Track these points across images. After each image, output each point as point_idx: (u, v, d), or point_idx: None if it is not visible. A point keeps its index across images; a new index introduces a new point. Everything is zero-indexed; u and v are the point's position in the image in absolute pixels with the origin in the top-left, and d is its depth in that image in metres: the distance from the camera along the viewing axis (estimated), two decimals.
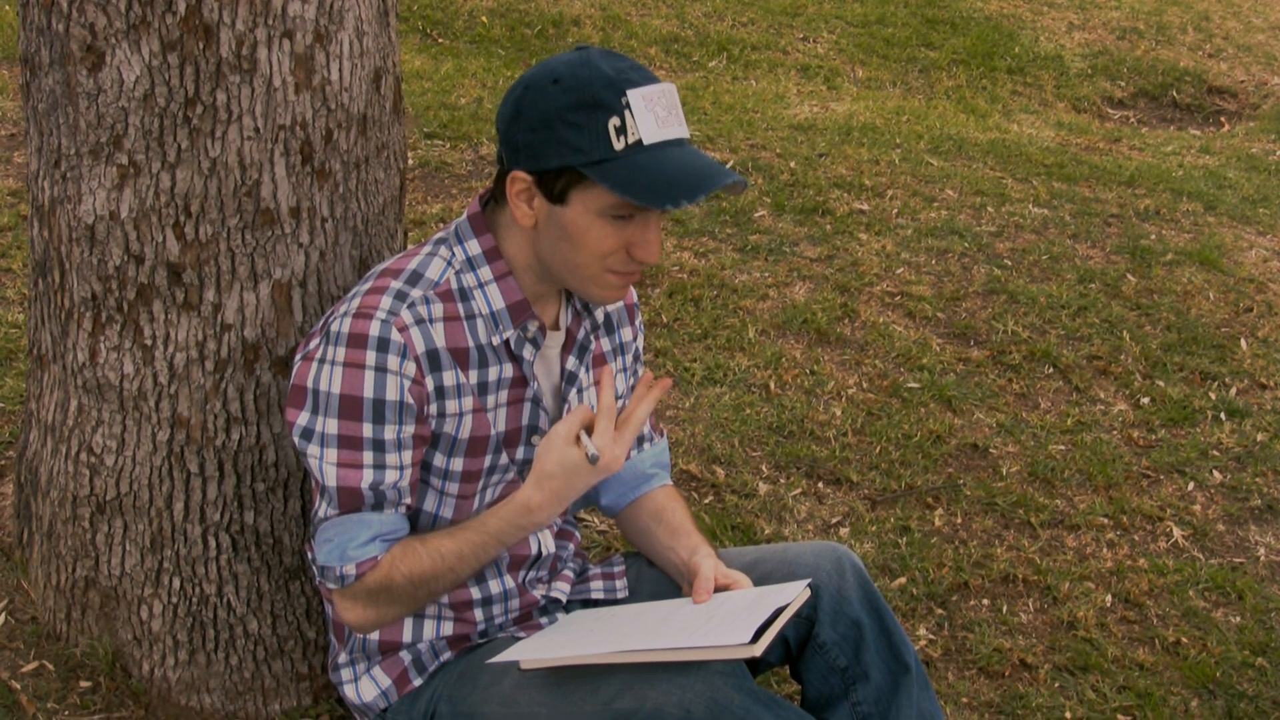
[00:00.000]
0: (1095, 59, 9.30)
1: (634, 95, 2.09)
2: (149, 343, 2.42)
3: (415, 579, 2.22)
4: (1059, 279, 5.15)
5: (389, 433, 2.16)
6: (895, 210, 5.64)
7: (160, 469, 2.51)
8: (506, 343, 2.26)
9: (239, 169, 2.32)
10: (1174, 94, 9.14)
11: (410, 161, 5.44)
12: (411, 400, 2.16)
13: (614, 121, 2.07)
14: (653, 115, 2.11)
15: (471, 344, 2.22)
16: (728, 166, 2.22)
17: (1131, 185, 6.49)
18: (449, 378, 2.20)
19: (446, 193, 5.21)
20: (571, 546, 2.58)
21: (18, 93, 5.64)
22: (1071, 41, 9.49)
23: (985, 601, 3.40)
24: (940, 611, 3.33)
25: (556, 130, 2.08)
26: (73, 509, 2.61)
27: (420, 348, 2.16)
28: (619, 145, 2.08)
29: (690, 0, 9.05)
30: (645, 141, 2.10)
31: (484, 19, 8.30)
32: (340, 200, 2.45)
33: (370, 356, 2.13)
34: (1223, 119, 8.95)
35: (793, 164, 6.00)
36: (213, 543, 2.55)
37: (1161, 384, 4.53)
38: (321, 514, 2.19)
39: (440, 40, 8.03)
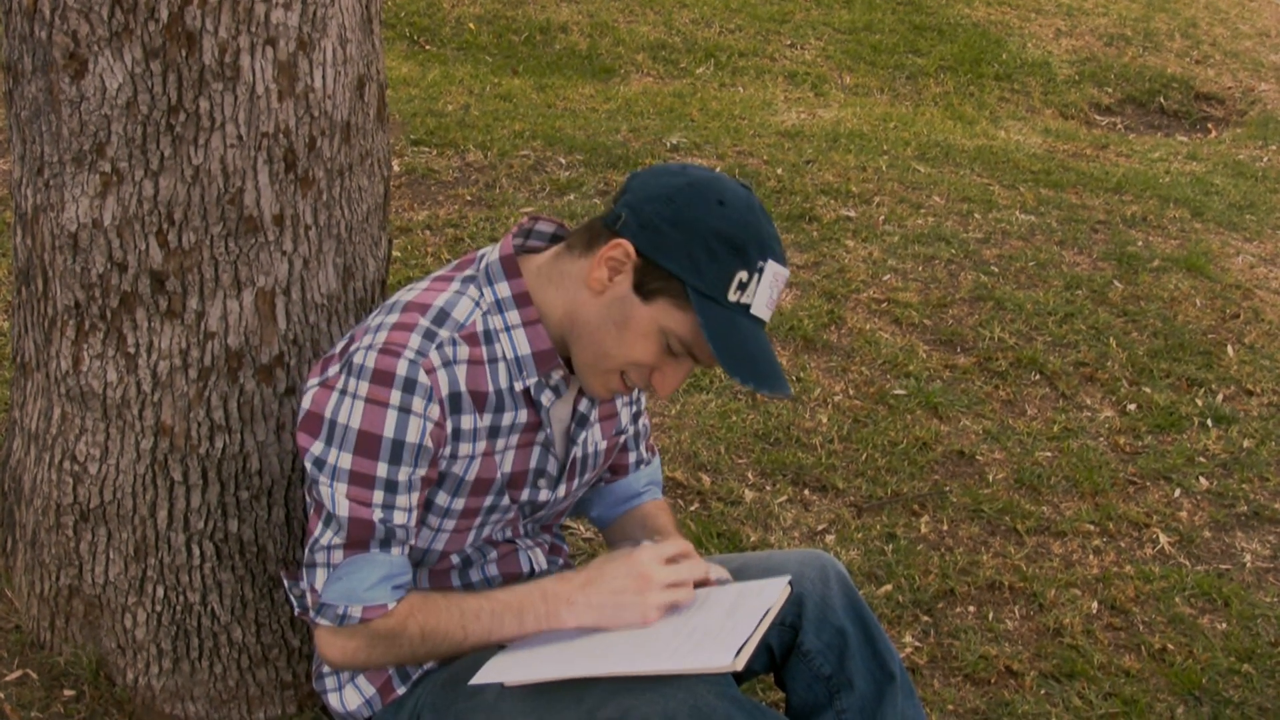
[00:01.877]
0: (1083, 65, 9.32)
1: (769, 267, 2.10)
2: (132, 350, 2.41)
3: (428, 633, 2.20)
4: (1046, 285, 5.16)
5: (403, 474, 2.13)
6: (882, 217, 5.64)
7: (144, 477, 2.50)
8: (526, 389, 2.24)
9: (222, 176, 2.31)
10: (1161, 100, 9.16)
11: (396, 168, 5.44)
12: (430, 444, 2.13)
13: (741, 275, 2.08)
14: (769, 292, 2.12)
15: (491, 389, 2.19)
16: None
17: (1119, 192, 6.50)
18: (467, 421, 2.18)
19: (433, 200, 5.21)
20: (560, 560, 2.58)
21: (1, 100, 5.64)
22: (1059, 48, 9.50)
23: (971, 608, 3.40)
24: (926, 619, 3.33)
25: (695, 244, 2.07)
26: (56, 517, 2.60)
27: (445, 390, 2.13)
28: (733, 297, 2.08)
29: (678, 7, 9.06)
30: (751, 310, 2.11)
31: (471, 26, 8.30)
32: (324, 208, 2.45)
33: (395, 396, 2.10)
34: (1210, 125, 8.97)
35: (780, 170, 6.00)
36: (196, 551, 2.54)
37: (1148, 390, 4.54)
38: (325, 542, 2.15)
39: (427, 47, 8.03)
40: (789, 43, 8.94)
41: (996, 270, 5.24)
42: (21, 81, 2.36)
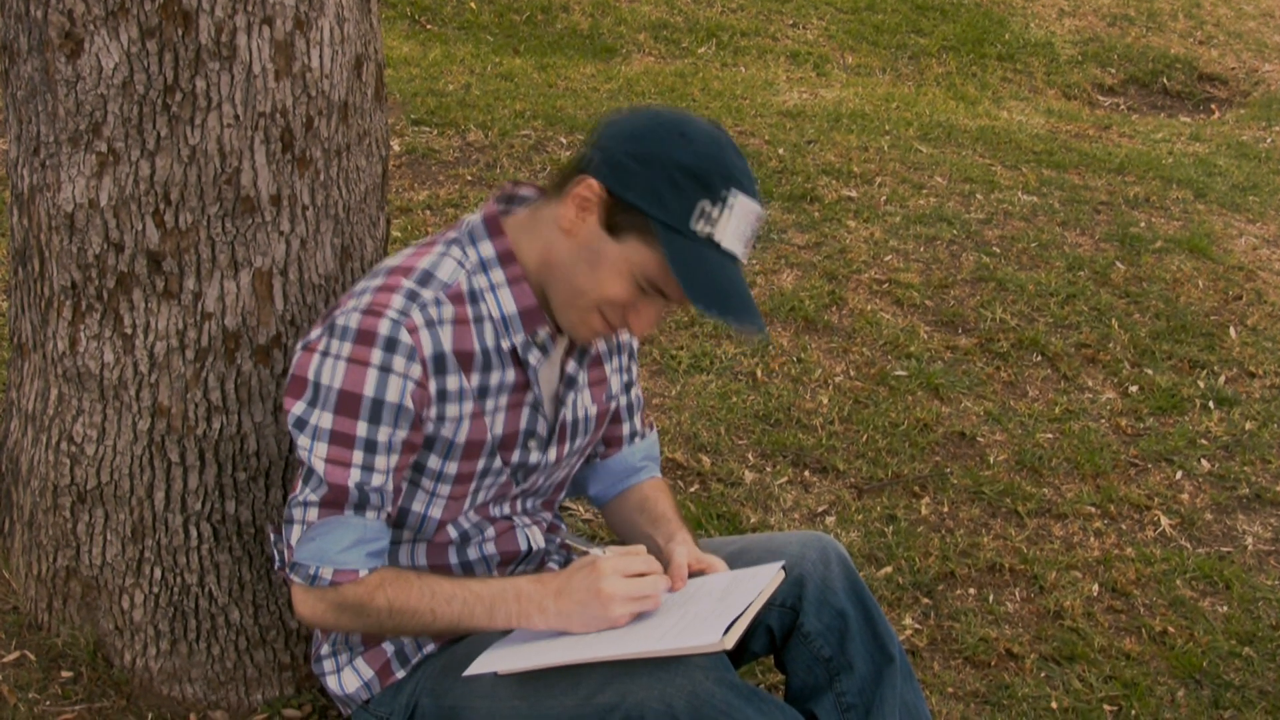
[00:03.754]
0: (1086, 46, 9.29)
1: (738, 198, 2.08)
2: (129, 331, 2.40)
3: (396, 609, 2.20)
4: (1048, 266, 5.14)
5: (382, 434, 2.13)
6: (884, 197, 5.63)
7: (141, 458, 2.49)
8: (514, 348, 2.23)
9: (219, 157, 2.30)
10: (1164, 81, 9.13)
11: (397, 148, 5.42)
12: (411, 404, 2.13)
13: (704, 205, 2.06)
14: (739, 225, 2.09)
15: (478, 348, 2.19)
16: None
17: (1121, 173, 6.48)
18: (452, 382, 2.18)
19: (433, 179, 5.20)
20: (557, 539, 2.57)
21: None
22: (1062, 28, 9.47)
23: (971, 591, 3.40)
24: (926, 601, 3.33)
25: (658, 176, 2.06)
26: (53, 498, 2.59)
27: (428, 350, 2.14)
28: (697, 228, 2.07)
29: None
30: (720, 243, 2.09)
31: (472, 5, 8.28)
32: (321, 188, 2.43)
33: (376, 355, 2.10)
34: (1213, 106, 8.95)
35: (781, 151, 5.98)
36: (194, 532, 2.54)
37: (1150, 372, 4.53)
38: (302, 498, 2.16)
39: (428, 26, 8.01)
40: (791, 22, 8.91)
41: (998, 251, 5.22)
42: (17, 61, 2.34)
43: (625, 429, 2.61)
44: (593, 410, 2.45)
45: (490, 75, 6.87)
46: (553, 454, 2.39)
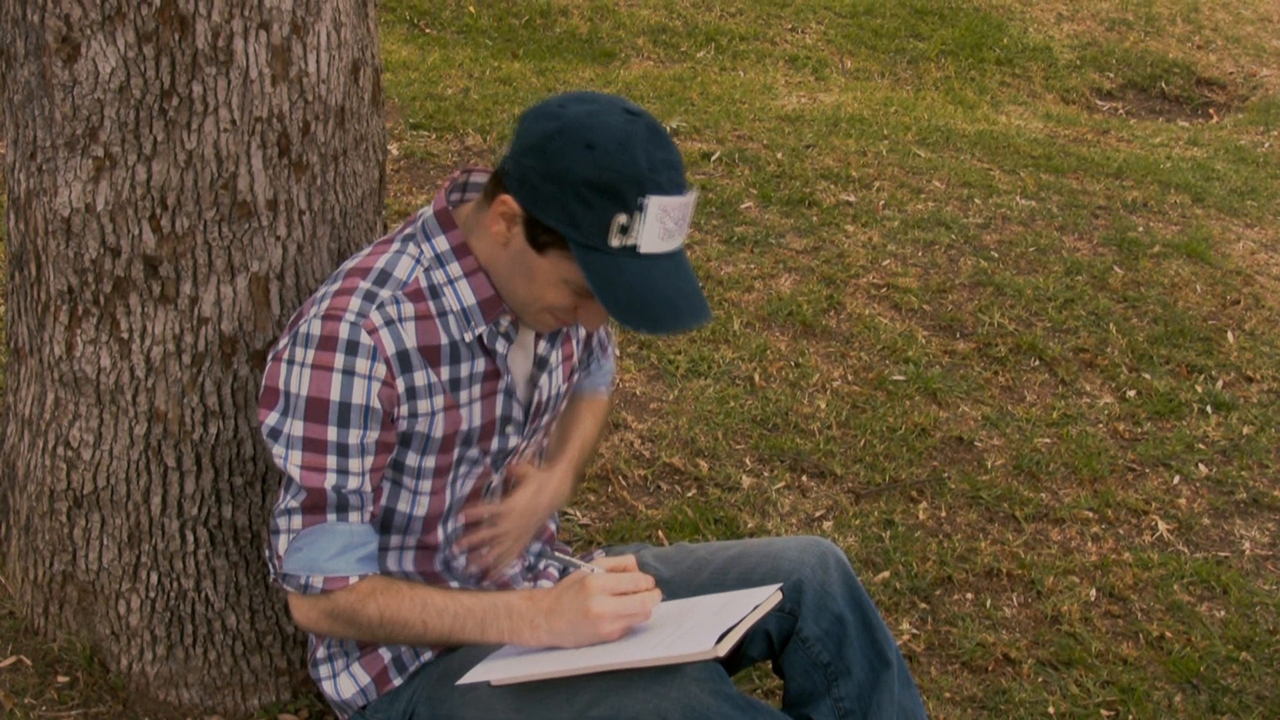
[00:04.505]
0: (1084, 50, 9.30)
1: (653, 203, 2.02)
2: (126, 336, 2.40)
3: (387, 619, 2.20)
4: (1046, 271, 5.14)
5: (353, 437, 2.14)
6: (882, 202, 5.63)
7: (137, 463, 2.49)
8: (479, 338, 2.23)
9: (215, 161, 2.30)
10: (1163, 85, 9.13)
11: (395, 152, 5.42)
12: (379, 404, 2.14)
13: (620, 219, 2.02)
14: (661, 226, 2.05)
15: (444, 340, 2.20)
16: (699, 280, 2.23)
17: (1119, 177, 6.48)
18: (420, 378, 2.18)
19: (432, 184, 5.20)
20: (546, 544, 2.57)
21: None
22: (1060, 33, 9.48)
23: (969, 596, 3.39)
24: (923, 605, 3.33)
25: (568, 195, 2.02)
26: (50, 503, 2.59)
27: (391, 349, 2.14)
28: (615, 242, 2.03)
29: None
30: (641, 250, 2.05)
31: (471, 9, 8.28)
32: (318, 193, 2.44)
33: (339, 359, 2.11)
34: (1211, 110, 8.95)
35: (780, 155, 5.98)
36: (190, 537, 2.54)
37: (1148, 377, 4.52)
38: (285, 505, 2.17)
39: (427, 30, 8.01)
40: (790, 26, 8.91)
41: (996, 255, 5.22)
42: (14, 65, 2.34)
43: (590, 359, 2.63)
44: (564, 387, 2.46)
45: (489, 79, 6.87)
46: (525, 431, 2.39)
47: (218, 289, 2.38)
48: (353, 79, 2.46)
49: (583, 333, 2.50)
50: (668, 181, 2.04)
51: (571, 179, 2.02)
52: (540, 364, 2.36)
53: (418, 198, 5.03)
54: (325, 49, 2.37)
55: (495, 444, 2.33)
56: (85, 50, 2.24)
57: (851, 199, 5.61)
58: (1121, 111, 8.82)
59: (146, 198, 2.31)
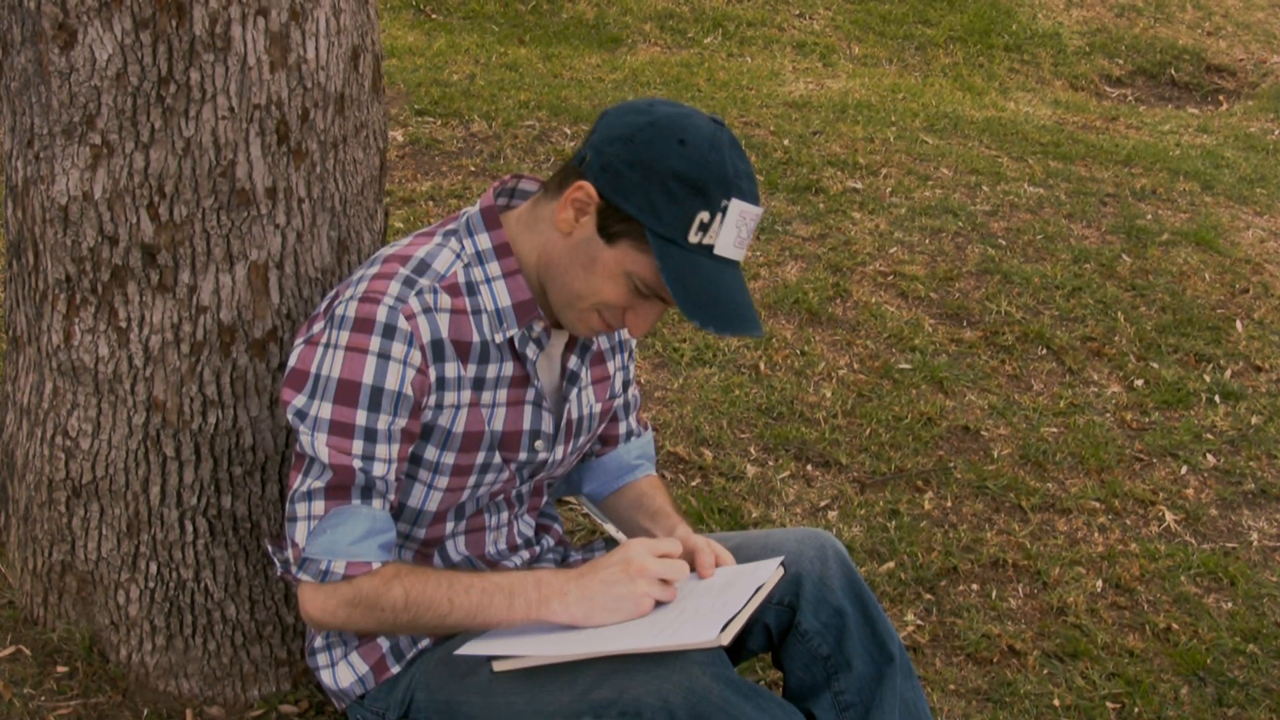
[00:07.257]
0: (1093, 37, 9.26)
1: (735, 206, 2.05)
2: (124, 325, 2.39)
3: (412, 600, 2.15)
4: (1053, 259, 5.12)
5: (382, 422, 2.11)
6: (889, 189, 5.60)
7: (136, 452, 2.48)
8: (510, 341, 2.22)
9: (214, 149, 2.28)
10: (1172, 72, 9.10)
11: (400, 138, 5.40)
12: (411, 391, 2.12)
13: (703, 216, 2.03)
14: (736, 232, 2.07)
15: (476, 338, 2.18)
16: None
17: (1128, 164, 6.46)
18: (450, 369, 2.16)
19: (437, 170, 5.18)
20: (551, 539, 2.56)
21: None
22: (1069, 19, 9.44)
23: (974, 586, 3.38)
24: (929, 596, 3.31)
25: (653, 185, 2.03)
26: (49, 493, 2.58)
27: (427, 336, 2.12)
28: (693, 238, 2.04)
29: None
30: (715, 251, 2.07)
31: None
32: (317, 180, 2.42)
33: (375, 342, 2.09)
34: (1221, 97, 8.91)
35: (786, 142, 5.96)
36: (190, 527, 2.52)
37: (1155, 366, 4.50)
38: (305, 489, 2.13)
39: (433, 16, 7.99)
40: (797, 12, 8.88)
41: (1004, 243, 5.20)
42: (11, 52, 2.33)
43: (621, 428, 2.60)
44: (597, 408, 2.44)
45: (495, 65, 6.85)
46: (559, 452, 2.37)
47: (216, 277, 2.37)
48: (352, 65, 2.43)
49: (618, 383, 2.49)
50: (748, 189, 2.08)
51: (660, 169, 2.03)
52: (571, 379, 2.34)
53: (422, 184, 5.01)
54: (324, 35, 2.35)
55: (523, 456, 2.31)
56: (82, 37, 2.22)
57: (858, 186, 5.58)
58: (1130, 98, 8.79)
59: (144, 186, 2.29)
